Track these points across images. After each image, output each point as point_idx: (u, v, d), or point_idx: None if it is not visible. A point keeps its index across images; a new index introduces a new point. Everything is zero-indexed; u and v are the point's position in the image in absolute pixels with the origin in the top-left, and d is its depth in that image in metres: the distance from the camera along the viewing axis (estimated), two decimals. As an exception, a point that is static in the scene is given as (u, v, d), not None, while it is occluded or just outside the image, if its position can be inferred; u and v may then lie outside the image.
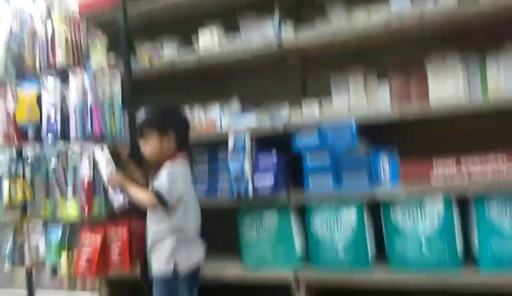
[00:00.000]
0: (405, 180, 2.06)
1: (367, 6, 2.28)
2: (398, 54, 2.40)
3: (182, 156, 2.01)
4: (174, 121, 2.02)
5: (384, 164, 2.12)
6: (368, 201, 2.13)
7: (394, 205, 2.06)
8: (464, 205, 2.03)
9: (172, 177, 1.90)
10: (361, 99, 2.31)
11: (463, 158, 1.98)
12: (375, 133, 2.22)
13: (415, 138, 2.26)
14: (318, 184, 2.21)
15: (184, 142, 2.05)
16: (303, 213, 2.25)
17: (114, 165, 2.05)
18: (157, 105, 2.12)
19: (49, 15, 2.16)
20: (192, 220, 1.99)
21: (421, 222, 2.01)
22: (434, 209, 1.99)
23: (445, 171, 2.00)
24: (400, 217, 2.06)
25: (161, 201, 1.87)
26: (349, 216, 2.12)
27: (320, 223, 2.17)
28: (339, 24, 2.29)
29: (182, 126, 2.06)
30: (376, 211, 2.15)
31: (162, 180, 1.90)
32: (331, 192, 2.16)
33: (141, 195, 1.95)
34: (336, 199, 2.14)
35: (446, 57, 2.15)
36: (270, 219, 2.29)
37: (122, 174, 2.07)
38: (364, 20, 2.24)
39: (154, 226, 1.95)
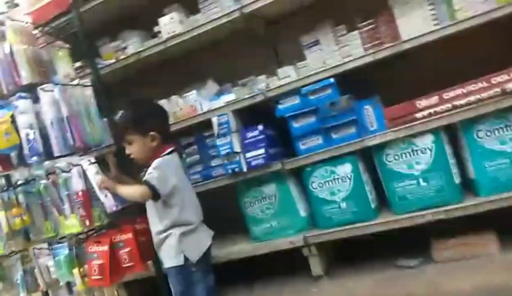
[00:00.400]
0: (392, 124, 2.07)
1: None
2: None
3: (168, 148, 2.00)
4: (152, 119, 1.96)
5: (369, 113, 2.13)
6: (360, 151, 2.15)
7: (386, 149, 2.08)
8: (453, 137, 2.07)
9: (161, 169, 1.89)
10: (334, 53, 2.31)
11: (445, 92, 1.99)
12: (355, 85, 2.22)
13: (394, 81, 2.27)
14: (309, 146, 2.22)
15: (167, 132, 2.03)
16: (300, 177, 2.27)
17: (102, 172, 2.03)
18: (131, 106, 2.05)
19: (3, 34, 2.07)
20: (191, 209, 1.99)
21: (415, 161, 2.05)
22: (425, 146, 2.02)
23: (429, 107, 2.01)
24: (394, 161, 2.08)
25: (154, 191, 1.86)
26: (344, 170, 2.14)
27: (318, 182, 2.19)
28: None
29: (162, 120, 2.01)
30: (369, 160, 2.18)
31: (151, 173, 1.88)
32: (323, 150, 2.17)
33: (132, 190, 1.94)
34: (328, 156, 2.16)
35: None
36: (269, 190, 2.31)
37: (111, 178, 2.05)
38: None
39: (156, 225, 1.95)
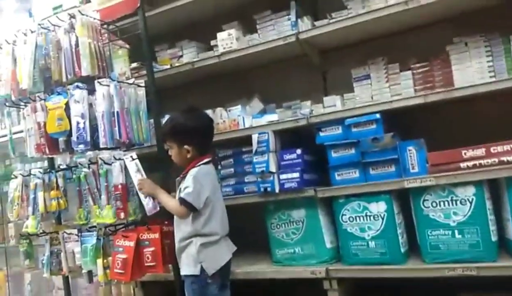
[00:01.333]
0: (434, 169, 2.03)
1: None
2: (419, 41, 2.38)
3: (206, 158, 2.05)
4: (191, 132, 2.03)
5: (412, 154, 2.10)
6: (396, 191, 2.11)
7: (424, 194, 2.04)
8: (496, 192, 2.00)
9: (197, 181, 1.95)
10: (383, 89, 2.30)
11: (493, 145, 1.94)
12: (401, 124, 2.20)
13: (443, 127, 2.24)
14: (344, 177, 2.20)
15: (205, 147, 2.09)
16: (331, 207, 2.24)
17: (143, 171, 2.10)
18: (176, 115, 2.13)
19: (72, 26, 2.21)
20: (218, 221, 2.01)
21: (453, 211, 1.98)
22: (466, 197, 1.96)
23: (475, 158, 1.96)
24: (431, 208, 2.03)
25: (190, 208, 1.93)
26: (378, 208, 2.10)
27: (349, 216, 2.16)
28: (356, 13, 2.28)
29: (201, 133, 2.07)
30: (405, 201, 2.13)
31: (187, 187, 1.95)
32: (358, 185, 2.15)
33: (170, 203, 2.02)
34: (363, 191, 2.13)
35: (468, 39, 2.12)
36: (298, 215, 2.30)
37: (152, 180, 2.12)
38: (380, 5, 2.22)
39: (180, 230, 1.99)
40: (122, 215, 2.09)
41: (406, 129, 2.23)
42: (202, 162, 2.03)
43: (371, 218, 2.11)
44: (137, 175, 2.10)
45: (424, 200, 2.04)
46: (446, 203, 2.00)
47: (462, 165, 1.98)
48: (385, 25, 2.30)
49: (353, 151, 2.18)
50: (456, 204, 1.98)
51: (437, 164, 2.03)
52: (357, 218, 2.14)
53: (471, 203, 1.95)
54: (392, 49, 2.39)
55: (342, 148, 2.21)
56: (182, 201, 1.94)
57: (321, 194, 2.22)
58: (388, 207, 2.09)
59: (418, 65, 2.23)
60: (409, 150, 2.10)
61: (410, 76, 2.24)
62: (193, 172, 1.98)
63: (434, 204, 2.02)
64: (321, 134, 2.27)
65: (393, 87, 2.28)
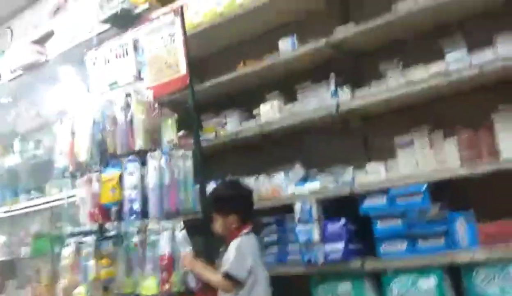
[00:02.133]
0: (485, 243, 1.96)
1: (424, 64, 2.31)
2: (463, 108, 2.36)
3: (247, 228, 2.08)
4: (234, 202, 2.11)
5: (461, 227, 2.04)
6: (447, 266, 2.04)
7: (476, 270, 1.96)
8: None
9: (239, 252, 1.99)
10: (428, 158, 2.28)
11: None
12: (448, 194, 2.16)
13: (492, 198, 2.17)
14: (391, 249, 2.16)
15: (247, 217, 2.13)
16: (378, 281, 2.19)
17: (190, 245, 2.15)
18: (219, 187, 2.26)
19: (127, 103, 2.39)
20: (261, 291, 2.00)
21: (508, 286, 1.89)
22: (522, 274, 1.87)
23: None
24: (483, 283, 1.94)
25: (234, 281, 1.94)
26: (428, 283, 2.03)
27: (398, 291, 2.09)
28: (395, 82, 2.32)
29: (243, 204, 2.13)
30: (456, 277, 2.05)
31: (230, 259, 1.98)
32: (406, 258, 2.10)
33: (213, 278, 2.04)
34: (412, 265, 2.08)
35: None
36: (344, 287, 2.25)
37: (197, 255, 2.16)
38: (421, 75, 2.26)
39: None
40: (166, 286, 2.12)
41: (454, 198, 2.17)
42: (244, 232, 2.07)
43: (422, 293, 2.03)
44: (184, 246, 2.14)
45: (476, 275, 1.96)
46: (500, 278, 1.91)
47: (516, 238, 1.90)
48: (426, 94, 2.31)
49: (399, 222, 2.15)
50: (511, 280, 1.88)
51: (488, 236, 1.96)
52: (407, 294, 2.07)
53: (527, 279, 1.86)
54: (435, 116, 2.39)
55: (388, 218, 2.18)
56: (226, 275, 1.96)
57: (368, 266, 2.17)
58: (439, 282, 2.02)
59: (463, 132, 2.22)
60: (459, 222, 2.05)
61: (455, 143, 2.22)
62: (235, 243, 2.03)
63: (487, 279, 1.94)
64: (365, 204, 2.26)
65: (437, 154, 2.26)
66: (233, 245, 2.02)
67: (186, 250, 2.13)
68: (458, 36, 2.25)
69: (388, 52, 2.50)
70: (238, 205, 2.10)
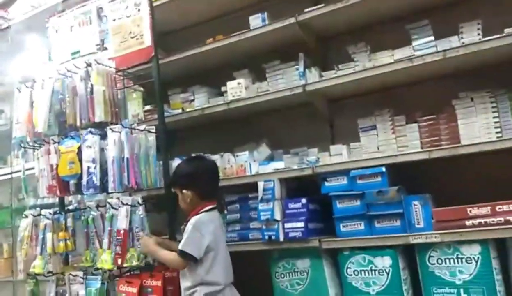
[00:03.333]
0: (439, 226, 2.02)
1: (390, 49, 2.32)
2: (425, 94, 2.41)
3: (208, 205, 2.07)
4: (192, 178, 2.09)
5: (417, 209, 2.09)
6: (402, 247, 2.10)
7: (429, 251, 2.02)
8: (504, 251, 1.97)
9: (195, 228, 1.98)
10: (389, 140, 2.32)
11: (499, 204, 1.93)
12: (407, 178, 2.20)
13: (451, 183, 2.23)
14: (349, 229, 2.20)
15: (209, 193, 2.12)
16: (336, 259, 2.23)
17: (147, 228, 2.14)
18: (181, 161, 2.28)
19: (88, 74, 2.31)
20: (221, 269, 2.01)
21: (458, 269, 1.96)
22: (471, 256, 1.93)
23: (480, 217, 1.94)
24: (437, 265, 2.01)
25: (189, 258, 1.94)
26: (383, 263, 2.08)
27: (354, 270, 2.14)
28: (362, 66, 2.33)
29: (202, 181, 2.11)
30: (411, 257, 2.11)
31: (186, 236, 1.98)
32: (364, 237, 2.14)
33: (168, 258, 2.04)
34: (368, 245, 2.12)
35: (474, 95, 2.14)
36: (303, 265, 2.29)
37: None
38: (387, 60, 2.27)
39: (185, 280, 2.00)
40: (119, 261, 2.10)
41: (412, 183, 2.23)
42: (204, 209, 2.06)
43: (376, 272, 2.09)
44: (141, 234, 2.13)
45: (429, 257, 2.03)
46: (451, 260, 1.98)
47: (468, 222, 1.96)
48: (391, 78, 2.34)
49: (358, 203, 2.19)
50: (461, 262, 1.96)
51: (442, 221, 2.02)
52: (362, 272, 2.12)
53: (476, 261, 1.93)
54: (398, 101, 2.42)
55: (347, 199, 2.22)
56: (180, 252, 1.96)
57: (326, 245, 2.21)
58: (394, 262, 2.07)
59: (424, 118, 2.26)
60: (415, 205, 2.10)
61: (416, 129, 2.26)
62: (193, 220, 2.02)
63: (439, 261, 2.01)
64: (326, 184, 2.29)
65: (399, 139, 2.31)
66: (191, 222, 2.01)
67: (141, 229, 2.12)
68: (425, 23, 2.26)
69: (356, 36, 2.50)
70: (195, 181, 2.08)
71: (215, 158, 2.56)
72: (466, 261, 1.94)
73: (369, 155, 2.28)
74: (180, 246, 1.97)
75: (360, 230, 2.17)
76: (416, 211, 2.10)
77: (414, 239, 2.04)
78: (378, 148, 2.33)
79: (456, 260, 1.97)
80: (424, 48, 2.21)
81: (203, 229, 1.98)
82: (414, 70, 2.21)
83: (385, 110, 2.36)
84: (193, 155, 2.44)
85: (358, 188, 2.20)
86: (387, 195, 2.12)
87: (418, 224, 2.09)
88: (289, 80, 2.56)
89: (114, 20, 2.51)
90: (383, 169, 2.14)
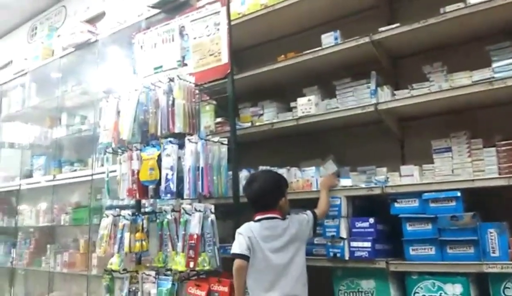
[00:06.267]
0: (517, 256, 1.92)
1: (468, 71, 2.26)
2: (503, 118, 2.31)
3: (256, 216, 2.14)
4: (246, 191, 2.20)
5: (493, 237, 2.00)
6: (474, 275, 2.02)
7: (505, 282, 1.93)
8: None
9: (238, 233, 2.10)
10: (465, 165, 2.24)
11: None
12: (482, 204, 2.12)
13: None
14: (419, 253, 2.15)
15: (254, 208, 2.18)
16: (403, 282, 2.19)
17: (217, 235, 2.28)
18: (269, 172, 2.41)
19: (170, 88, 2.48)
20: (258, 277, 2.03)
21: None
22: (554, 291, 1.82)
23: None
24: (512, 296, 1.91)
25: (237, 257, 2.03)
26: (454, 290, 2.02)
27: (422, 294, 2.09)
28: (439, 87, 2.29)
29: (257, 193, 2.16)
30: (483, 287, 2.02)
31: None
32: (434, 263, 2.09)
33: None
34: (439, 271, 2.06)
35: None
36: (368, 285, 2.27)
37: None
38: (465, 81, 2.22)
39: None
40: (191, 264, 2.21)
41: (488, 210, 2.14)
42: (253, 220, 2.13)
43: (446, 299, 2.03)
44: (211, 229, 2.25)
45: (505, 288, 1.94)
46: (530, 293, 1.88)
47: (550, 255, 1.86)
48: (468, 100, 2.27)
49: (430, 227, 2.14)
50: (542, 297, 1.85)
51: (521, 251, 1.92)
52: (430, 297, 2.07)
53: (559, 298, 1.82)
54: (473, 123, 2.35)
55: (418, 222, 2.17)
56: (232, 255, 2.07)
57: (394, 268, 2.18)
58: (465, 290, 2.00)
59: (503, 142, 2.17)
60: (490, 232, 2.01)
61: (494, 153, 2.17)
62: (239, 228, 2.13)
63: (516, 293, 1.91)
64: (396, 205, 2.26)
65: (475, 162, 2.22)
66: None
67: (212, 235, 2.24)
68: (506, 44, 2.19)
69: (431, 56, 2.47)
70: (250, 193, 2.17)
71: (282, 171, 2.63)
72: (548, 296, 1.84)
73: (443, 178, 2.22)
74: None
75: (430, 255, 2.12)
76: (491, 239, 2.01)
77: (488, 267, 1.95)
78: (452, 171, 2.26)
79: (535, 294, 1.87)
80: (504, 70, 2.14)
81: (238, 237, 2.08)
82: (493, 92, 2.14)
83: (461, 132, 2.29)
84: (261, 168, 2.52)
85: (431, 211, 2.15)
86: (461, 221, 2.05)
87: (493, 253, 2.00)
88: (359, 98, 2.58)
89: (194, 38, 2.68)
90: (458, 193, 2.08)
